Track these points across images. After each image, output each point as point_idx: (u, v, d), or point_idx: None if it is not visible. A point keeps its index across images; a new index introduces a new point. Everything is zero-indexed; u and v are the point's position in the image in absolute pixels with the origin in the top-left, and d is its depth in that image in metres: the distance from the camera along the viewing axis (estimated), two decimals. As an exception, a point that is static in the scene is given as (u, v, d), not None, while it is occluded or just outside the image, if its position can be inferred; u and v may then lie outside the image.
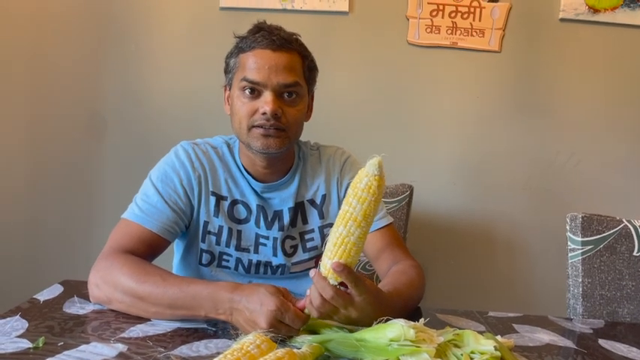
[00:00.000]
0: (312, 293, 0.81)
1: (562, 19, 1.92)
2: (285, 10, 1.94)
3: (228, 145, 1.18)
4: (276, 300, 0.81)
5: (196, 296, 0.87)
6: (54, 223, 2.09)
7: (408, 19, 1.95)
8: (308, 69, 1.11)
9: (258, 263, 1.16)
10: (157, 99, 2.03)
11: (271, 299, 0.81)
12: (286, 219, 1.16)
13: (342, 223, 0.77)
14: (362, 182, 0.74)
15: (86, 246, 2.04)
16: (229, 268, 1.15)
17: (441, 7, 1.93)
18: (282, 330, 0.81)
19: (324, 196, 1.19)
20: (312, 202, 1.19)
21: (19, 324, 0.83)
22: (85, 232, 2.07)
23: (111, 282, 0.93)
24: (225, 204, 1.13)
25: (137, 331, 0.84)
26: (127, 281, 0.91)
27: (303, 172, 1.20)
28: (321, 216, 1.19)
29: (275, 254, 1.16)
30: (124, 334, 0.82)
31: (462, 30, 1.94)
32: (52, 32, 2.02)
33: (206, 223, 1.12)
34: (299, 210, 1.18)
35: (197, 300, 0.87)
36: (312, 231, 1.19)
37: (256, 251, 1.15)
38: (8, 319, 0.85)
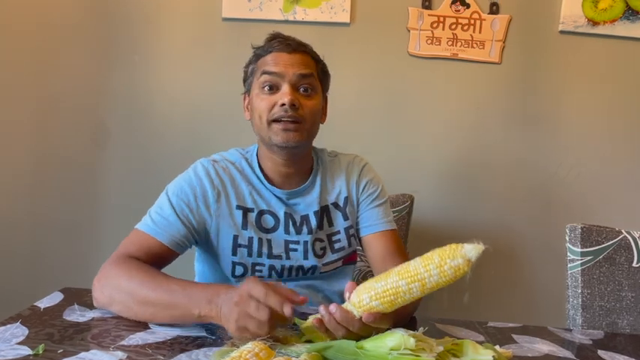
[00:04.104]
0: (330, 323, 0.80)
1: (562, 32, 1.94)
2: (287, 22, 1.96)
3: (246, 160, 1.20)
4: (255, 279, 0.83)
5: (197, 294, 0.88)
6: (56, 231, 2.09)
7: (409, 31, 1.96)
8: (322, 72, 1.19)
9: (291, 268, 1.17)
10: (160, 108, 2.04)
11: (254, 280, 0.83)
12: (313, 222, 1.19)
13: (406, 279, 0.76)
14: (455, 260, 0.73)
15: (87, 253, 2.04)
16: (263, 276, 1.16)
17: (441, 19, 1.95)
18: (251, 306, 0.79)
19: (346, 199, 1.24)
20: (335, 205, 1.23)
21: (19, 331, 0.83)
22: (87, 240, 2.07)
23: (114, 284, 0.95)
24: (253, 215, 1.16)
25: (137, 338, 0.84)
26: (129, 282, 0.93)
27: (323, 176, 1.24)
28: (345, 217, 1.23)
29: (306, 257, 1.18)
30: (123, 342, 0.82)
31: (463, 41, 1.95)
32: (57, 42, 2.04)
33: (235, 237, 1.14)
34: (324, 213, 1.22)
35: (195, 298, 0.88)
36: (339, 232, 1.22)
37: (287, 257, 1.17)
38: (8, 326, 0.85)
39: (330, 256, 1.21)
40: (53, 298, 1.02)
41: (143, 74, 2.04)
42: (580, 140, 1.99)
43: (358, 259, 1.33)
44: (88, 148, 2.08)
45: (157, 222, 1.07)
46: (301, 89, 1.12)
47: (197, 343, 0.85)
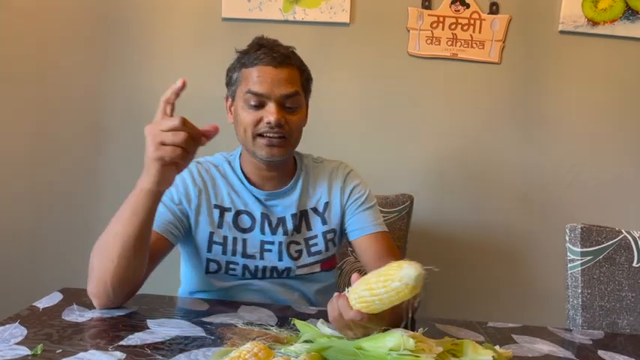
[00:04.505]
0: (333, 305, 0.80)
1: (561, 32, 1.93)
2: (286, 22, 1.96)
3: (229, 162, 1.25)
4: None
5: (136, 188, 0.95)
6: (54, 232, 2.09)
7: (409, 31, 1.96)
8: (306, 80, 1.20)
9: (264, 268, 1.19)
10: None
11: None
12: (290, 225, 1.21)
13: (369, 290, 0.74)
14: (394, 282, 0.71)
15: (86, 254, 2.03)
16: (237, 275, 1.19)
17: (441, 19, 1.95)
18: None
19: (326, 204, 1.25)
20: (314, 209, 1.25)
21: (17, 331, 0.83)
22: (85, 240, 2.06)
23: (92, 255, 1.00)
24: (230, 215, 1.19)
25: (135, 339, 0.84)
26: (97, 242, 1.00)
27: (305, 181, 1.26)
28: (324, 222, 1.24)
29: (281, 259, 1.20)
30: (122, 342, 0.82)
31: (462, 41, 1.95)
32: (57, 42, 2.04)
33: (211, 234, 1.18)
34: (303, 217, 1.23)
35: (136, 188, 0.95)
36: (316, 237, 1.24)
37: (262, 257, 1.19)
38: (7, 326, 0.85)
39: (306, 259, 1.22)
40: (52, 299, 1.02)
41: (142, 74, 2.03)
42: (580, 140, 1.98)
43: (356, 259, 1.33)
44: (87, 148, 2.07)
45: None
46: (286, 105, 1.13)
47: (196, 343, 0.85)
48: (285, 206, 1.22)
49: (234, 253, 1.18)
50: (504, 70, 1.96)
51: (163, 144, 0.89)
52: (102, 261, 0.96)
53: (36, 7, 2.03)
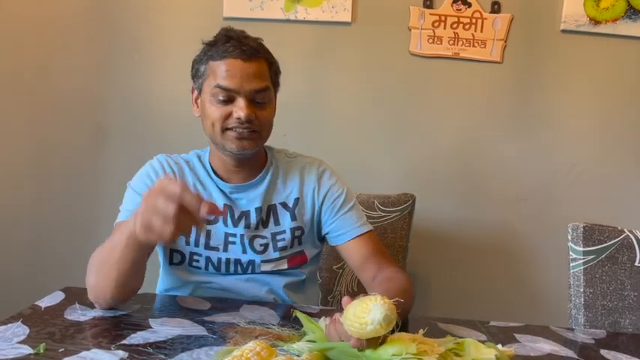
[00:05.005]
0: (329, 328, 0.80)
1: (563, 31, 1.93)
2: (288, 21, 1.96)
3: (199, 157, 1.26)
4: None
5: (127, 226, 0.89)
6: (56, 231, 2.09)
7: (410, 30, 1.96)
8: (274, 73, 1.19)
9: (228, 261, 1.20)
10: (160, 109, 2.04)
11: (169, 178, 0.85)
12: (253, 218, 1.20)
13: (351, 327, 0.73)
14: (368, 326, 0.70)
15: (88, 253, 2.04)
16: (200, 267, 1.20)
17: (443, 18, 1.94)
18: (159, 200, 0.77)
19: (296, 200, 1.24)
20: (284, 204, 1.23)
21: (20, 330, 0.83)
22: (88, 239, 2.07)
23: (89, 268, 0.99)
24: None
25: (138, 338, 0.84)
26: (94, 255, 1.01)
27: (274, 175, 1.25)
28: (293, 218, 1.23)
29: (244, 251, 1.20)
30: (124, 341, 0.82)
31: (464, 41, 1.95)
32: (57, 41, 2.04)
33: None
34: (270, 212, 1.23)
35: (129, 225, 0.87)
36: (284, 232, 1.23)
37: (225, 250, 1.19)
38: (9, 325, 0.85)
39: (272, 254, 1.21)
40: (54, 298, 1.02)
41: (143, 74, 2.03)
42: (581, 139, 1.98)
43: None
44: (88, 147, 2.07)
45: (130, 210, 1.15)
46: (256, 99, 1.12)
47: (198, 342, 0.85)
48: (250, 199, 1.21)
49: (196, 244, 1.18)
50: (506, 70, 1.96)
51: (150, 227, 0.79)
52: (100, 279, 0.97)
53: (36, 8, 2.03)
